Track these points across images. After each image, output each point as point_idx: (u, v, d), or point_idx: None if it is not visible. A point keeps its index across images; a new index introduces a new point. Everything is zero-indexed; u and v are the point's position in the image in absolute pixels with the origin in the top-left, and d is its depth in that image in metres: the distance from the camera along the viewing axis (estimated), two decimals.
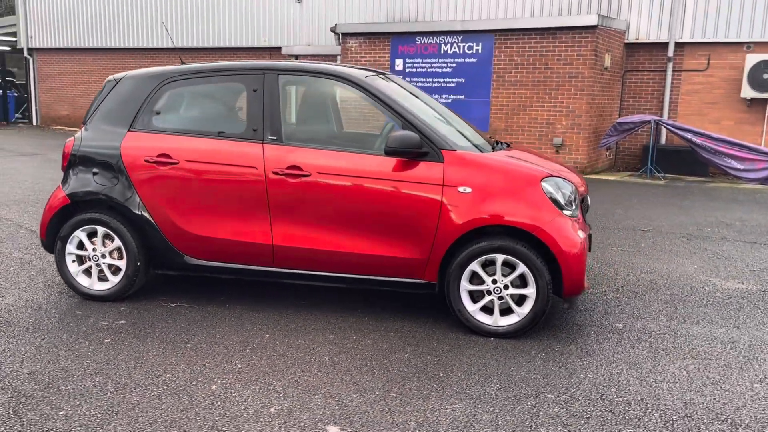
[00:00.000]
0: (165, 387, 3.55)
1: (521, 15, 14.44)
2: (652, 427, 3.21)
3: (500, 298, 4.28)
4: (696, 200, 10.23)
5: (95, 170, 4.83)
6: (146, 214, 4.72)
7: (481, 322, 4.32)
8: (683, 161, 13.00)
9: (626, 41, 13.82)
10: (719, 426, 3.24)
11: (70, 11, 21.73)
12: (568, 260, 4.16)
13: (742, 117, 13.16)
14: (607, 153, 14.02)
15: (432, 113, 4.93)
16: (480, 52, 13.37)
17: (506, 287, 4.26)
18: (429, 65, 13.84)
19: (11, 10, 29.86)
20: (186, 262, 4.75)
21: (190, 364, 3.85)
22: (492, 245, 4.22)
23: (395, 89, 4.86)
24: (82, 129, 5.00)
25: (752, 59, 12.64)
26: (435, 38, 13.70)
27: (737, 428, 3.22)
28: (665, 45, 13.54)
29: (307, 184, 4.45)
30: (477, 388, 3.60)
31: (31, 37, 22.73)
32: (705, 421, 3.29)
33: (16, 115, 25.26)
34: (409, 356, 4.02)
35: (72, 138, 5.03)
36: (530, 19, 13.51)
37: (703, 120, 13.40)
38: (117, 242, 4.79)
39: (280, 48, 17.36)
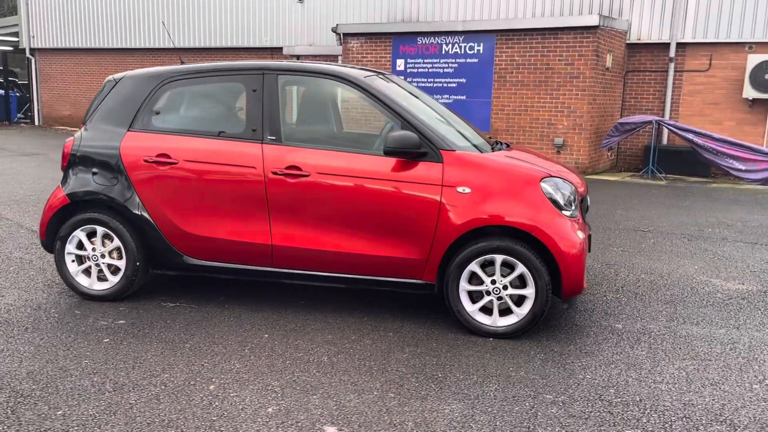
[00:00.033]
0: (163, 387, 3.55)
1: (522, 15, 14.43)
2: (651, 428, 3.20)
3: (499, 298, 4.27)
4: (697, 201, 10.21)
5: (95, 170, 4.83)
6: (145, 214, 4.73)
7: (480, 323, 4.32)
8: (685, 162, 12.98)
9: (628, 41, 13.80)
10: (718, 427, 3.23)
11: (72, 11, 21.76)
12: (567, 261, 4.15)
13: (743, 117, 13.14)
14: (609, 153, 14.00)
15: (431, 113, 4.93)
16: (481, 52, 13.36)
17: (505, 288, 4.25)
18: (430, 65, 13.84)
19: (13, 11, 29.90)
20: (185, 262, 4.75)
21: (188, 364, 3.84)
22: (491, 245, 4.22)
23: (395, 89, 4.86)
24: (82, 129, 5.01)
25: (754, 59, 12.62)
26: (436, 38, 13.70)
27: (736, 429, 3.21)
28: (667, 45, 13.53)
29: (306, 184, 4.44)
30: (475, 388, 3.60)
31: (33, 37, 22.78)
32: (704, 422, 3.28)
33: (18, 115, 25.31)
34: (407, 356, 4.01)
35: (71, 138, 5.04)
36: (531, 19, 13.49)
37: (705, 120, 13.38)
38: (116, 242, 4.80)
39: (281, 48, 17.37)
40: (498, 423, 3.23)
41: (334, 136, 5.26)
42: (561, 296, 4.29)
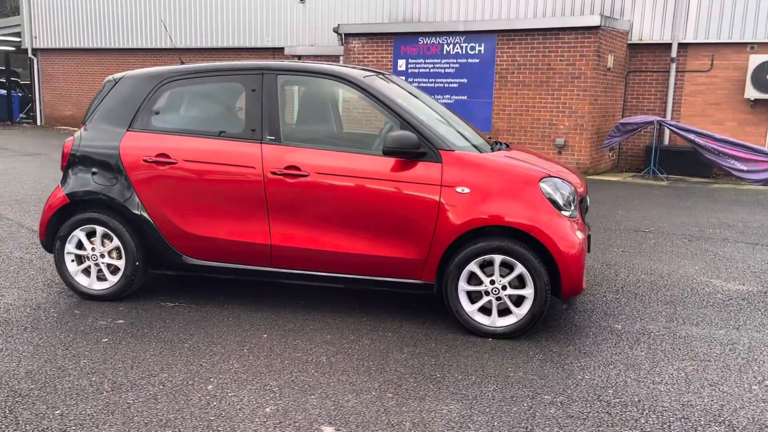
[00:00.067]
0: (161, 387, 3.55)
1: (524, 15, 14.42)
2: (649, 429, 3.20)
3: (498, 298, 4.27)
4: (698, 201, 10.19)
5: (94, 170, 4.83)
6: (145, 214, 4.73)
7: (479, 323, 4.31)
8: (686, 162, 12.97)
9: (629, 42, 13.79)
10: (716, 428, 3.22)
11: (74, 12, 21.79)
12: (567, 261, 4.15)
13: (745, 118, 13.12)
14: (610, 154, 13.99)
15: (431, 113, 4.93)
16: (482, 52, 13.36)
17: (504, 288, 4.25)
18: (431, 66, 13.84)
19: (16, 11, 29.96)
20: (184, 261, 4.75)
21: (187, 363, 3.85)
22: (490, 246, 4.21)
23: (394, 89, 4.85)
24: (82, 129, 5.01)
25: (756, 60, 12.60)
26: (437, 39, 13.69)
27: (735, 430, 3.20)
28: (668, 46, 13.51)
29: (306, 184, 4.44)
30: (474, 388, 3.59)
31: (36, 38, 22.81)
32: (702, 422, 3.27)
33: (21, 115, 25.36)
34: (406, 357, 4.01)
35: (71, 138, 5.04)
36: (533, 19, 13.48)
37: (707, 121, 13.36)
38: (116, 242, 4.80)
39: (282, 48, 17.38)
40: (496, 423, 3.23)
41: (333, 136, 5.26)
42: (560, 297, 4.29)
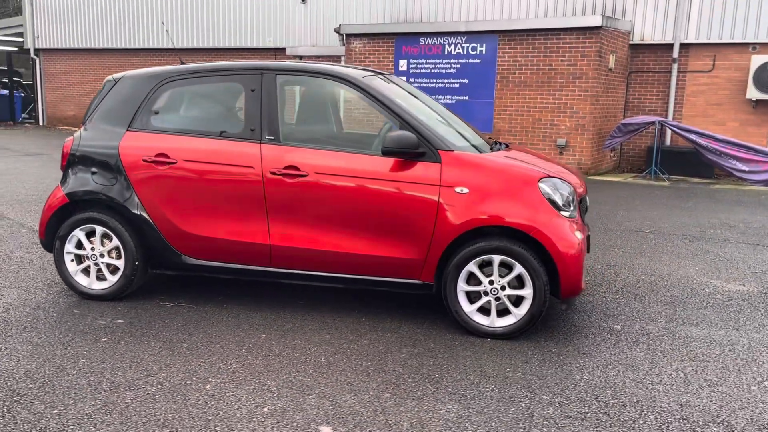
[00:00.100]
0: (159, 386, 3.55)
1: (525, 16, 14.41)
2: (647, 430, 3.19)
3: (497, 299, 4.26)
4: (699, 202, 10.18)
5: (94, 170, 4.84)
6: (144, 214, 4.73)
7: (478, 323, 4.31)
8: (688, 163, 12.95)
9: (631, 42, 13.77)
10: (715, 428, 3.22)
11: (76, 12, 21.83)
12: (566, 261, 4.14)
13: (747, 118, 13.10)
14: (612, 154, 13.98)
15: (430, 113, 4.93)
16: (484, 52, 13.35)
17: (503, 288, 4.24)
18: (433, 66, 13.83)
19: (18, 11, 30.01)
20: (183, 261, 4.75)
21: (185, 363, 3.85)
22: (489, 246, 4.21)
23: (393, 90, 4.85)
24: (81, 129, 5.02)
25: (758, 60, 12.58)
26: (439, 39, 13.69)
27: (733, 431, 3.19)
28: (670, 46, 13.50)
29: (305, 184, 4.44)
30: (472, 389, 3.59)
31: (38, 38, 22.85)
32: (701, 423, 3.26)
33: (23, 115, 25.40)
34: (404, 357, 4.01)
35: (71, 137, 5.05)
36: (534, 19, 13.47)
37: (708, 121, 13.34)
38: (115, 242, 4.80)
39: (284, 49, 17.39)
40: (493, 424, 3.22)
41: (333, 136, 5.26)
42: (559, 297, 4.28)
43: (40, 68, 23.38)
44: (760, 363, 4.01)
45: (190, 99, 4.97)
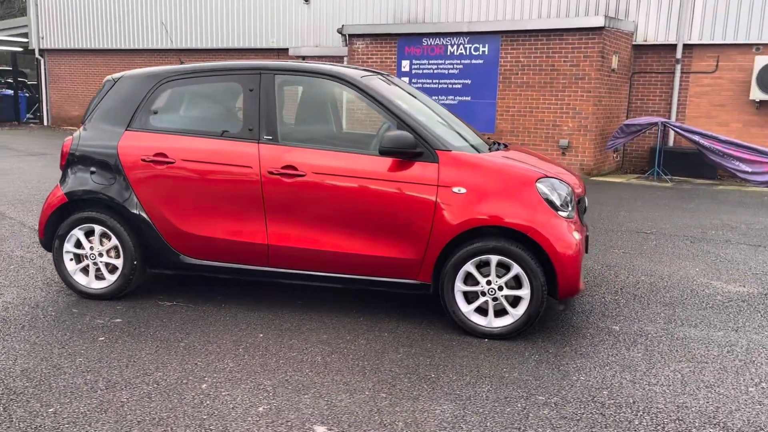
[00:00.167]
0: (155, 385, 3.55)
1: (528, 16, 14.40)
2: (643, 430, 3.18)
3: (495, 299, 4.26)
4: (702, 203, 10.15)
5: (93, 169, 4.85)
6: (143, 213, 4.74)
7: (476, 323, 4.30)
8: (691, 164, 12.91)
9: (634, 43, 13.75)
10: (711, 430, 3.20)
11: (81, 12, 21.90)
12: (563, 261, 4.13)
13: (750, 119, 13.06)
14: (614, 155, 13.95)
15: (429, 114, 4.93)
16: (486, 53, 13.34)
17: (501, 288, 4.24)
18: (435, 66, 13.83)
19: (23, 12, 30.12)
20: (182, 261, 4.76)
21: (182, 362, 3.85)
22: (486, 246, 4.20)
23: (393, 90, 4.85)
24: (81, 128, 5.03)
25: (761, 61, 12.54)
26: (441, 39, 13.68)
27: None
28: (673, 47, 13.47)
29: (302, 184, 4.45)
30: (468, 389, 3.58)
31: (43, 38, 22.93)
32: (697, 424, 3.25)
33: (28, 115, 25.49)
34: (401, 357, 4.00)
35: (70, 137, 5.06)
36: (537, 20, 13.46)
37: (712, 122, 13.30)
38: (114, 241, 4.81)
39: (287, 49, 17.41)
40: (489, 424, 3.22)
41: (332, 136, 5.26)
42: (557, 297, 4.27)
43: (44, 68, 23.46)
44: (759, 364, 3.99)
45: (188, 99, 4.98)
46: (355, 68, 4.99)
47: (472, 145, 4.68)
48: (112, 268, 4.89)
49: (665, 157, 13.14)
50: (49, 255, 5.97)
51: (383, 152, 4.30)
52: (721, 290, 5.51)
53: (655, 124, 12.53)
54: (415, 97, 5.16)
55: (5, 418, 3.19)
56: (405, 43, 14.09)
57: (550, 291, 4.27)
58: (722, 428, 3.22)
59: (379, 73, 5.11)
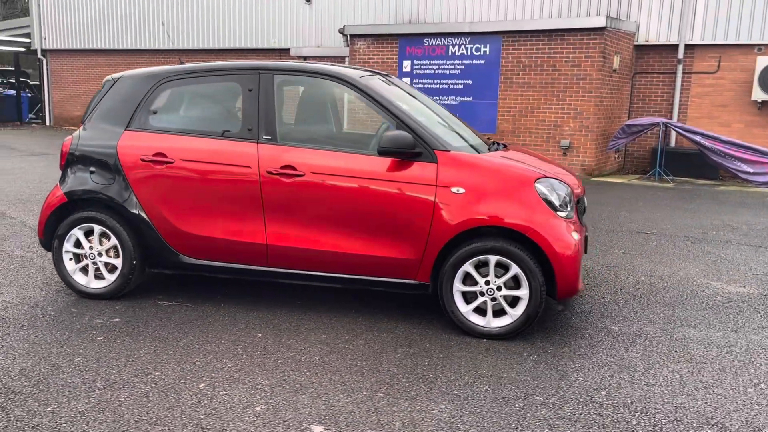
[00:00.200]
0: (153, 385, 3.56)
1: (529, 16, 14.39)
2: (640, 431, 3.17)
3: (493, 299, 4.25)
4: (703, 203, 10.13)
5: (92, 169, 4.85)
6: (142, 213, 4.74)
7: (474, 324, 4.30)
8: (692, 164, 12.89)
9: (636, 43, 13.73)
10: (709, 430, 3.20)
11: (83, 13, 21.93)
12: (562, 262, 4.13)
13: (752, 120, 13.03)
14: (616, 156, 13.93)
15: (429, 114, 4.93)
16: (488, 53, 13.33)
17: (499, 288, 4.23)
18: (437, 67, 13.82)
19: (26, 12, 30.18)
20: (181, 261, 4.76)
21: (180, 362, 3.85)
22: (485, 246, 4.20)
23: (392, 90, 4.85)
24: (80, 128, 5.04)
25: (763, 61, 12.52)
26: (443, 40, 13.68)
27: None
28: (675, 47, 13.45)
29: (301, 184, 4.45)
30: (466, 389, 3.58)
31: (45, 39, 22.96)
32: (695, 425, 3.25)
33: (30, 115, 25.53)
34: (400, 357, 4.00)
35: (70, 137, 5.07)
36: (538, 20, 13.45)
37: (713, 122, 13.28)
38: (113, 241, 4.82)
39: (289, 50, 17.42)
40: (486, 424, 3.21)
41: (331, 136, 5.26)
42: (555, 297, 4.27)
43: (47, 69, 23.49)
44: (758, 365, 3.99)
45: (188, 99, 4.98)
46: (355, 68, 4.99)
47: (472, 146, 4.68)
48: (111, 268, 4.90)
49: (667, 158, 13.12)
50: (49, 255, 5.98)
51: (382, 152, 4.30)
52: (721, 291, 5.50)
53: (657, 124, 12.52)
54: (415, 98, 5.16)
55: (3, 417, 3.19)
56: (406, 43, 14.09)
57: (548, 291, 4.27)
58: (720, 429, 3.21)
59: (378, 74, 5.10)
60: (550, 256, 4.13)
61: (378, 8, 16.40)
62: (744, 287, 5.62)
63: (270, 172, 4.48)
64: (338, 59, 15.82)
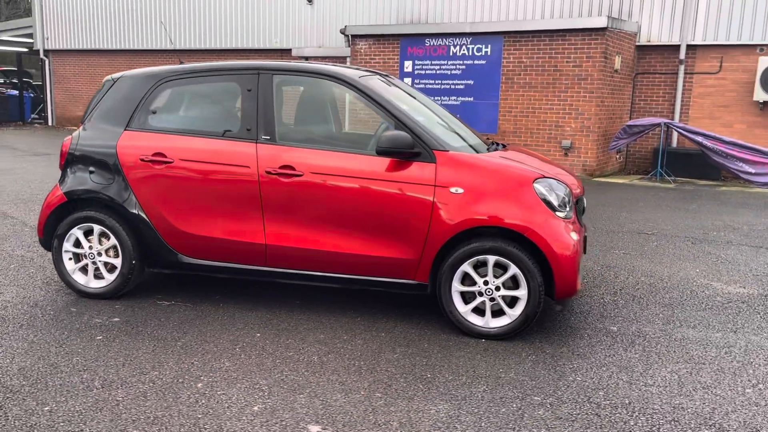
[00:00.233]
0: (151, 384, 3.56)
1: (531, 17, 14.38)
2: (638, 431, 3.17)
3: (492, 299, 4.25)
4: (704, 204, 10.11)
5: (92, 169, 4.86)
6: (141, 213, 4.75)
7: (473, 324, 4.30)
8: (694, 165, 12.87)
9: (637, 43, 13.71)
10: (706, 431, 3.19)
11: (85, 13, 21.96)
12: (560, 262, 4.12)
13: (754, 120, 13.01)
14: (617, 156, 13.91)
15: (428, 114, 4.93)
16: (489, 53, 13.33)
17: (498, 288, 4.23)
18: (438, 67, 13.82)
19: (28, 12, 30.23)
20: (180, 260, 4.77)
21: (178, 362, 3.86)
22: (484, 246, 4.20)
23: (392, 90, 4.85)
24: (80, 128, 5.05)
25: (765, 62, 12.50)
26: (444, 40, 13.68)
27: None
28: (677, 47, 13.43)
29: (300, 184, 4.45)
30: (463, 389, 3.58)
31: (47, 39, 23.00)
32: (692, 425, 3.24)
33: (32, 115, 25.58)
34: (398, 357, 4.00)
35: (69, 137, 5.08)
36: (540, 20, 13.44)
37: (715, 123, 13.26)
38: (113, 240, 4.82)
39: (290, 50, 17.43)
40: (483, 424, 3.21)
41: (330, 136, 5.26)
42: (554, 298, 4.27)
43: (49, 69, 23.54)
44: (756, 365, 3.98)
45: (187, 99, 4.99)
46: (355, 68, 4.99)
47: (471, 146, 4.68)
48: (110, 268, 4.91)
49: (668, 158, 13.10)
50: (50, 254, 5.98)
51: (380, 152, 4.30)
52: (721, 291, 5.50)
53: (658, 124, 12.50)
54: (415, 98, 5.16)
55: (1, 416, 3.20)
56: (408, 43, 14.09)
57: (547, 291, 4.26)
58: (718, 429, 3.21)
59: (378, 74, 5.11)
60: (548, 257, 4.13)
61: (379, 8, 16.41)
62: (744, 288, 5.61)
63: (269, 172, 4.48)
64: (340, 59, 15.82)
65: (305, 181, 4.44)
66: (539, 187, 4.24)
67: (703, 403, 3.47)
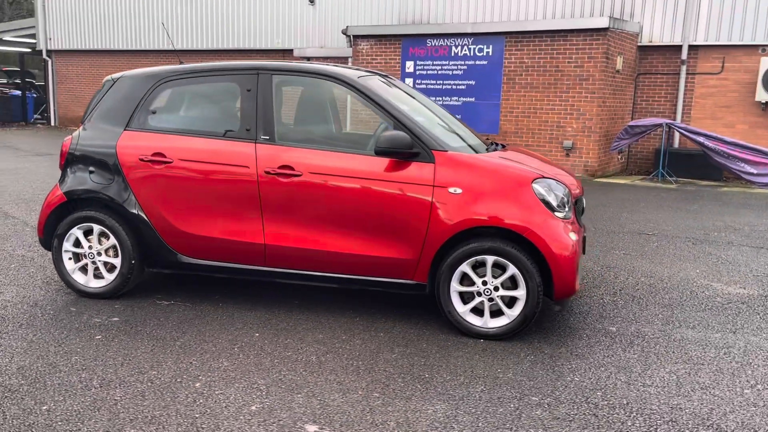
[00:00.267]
0: (149, 384, 3.57)
1: (532, 17, 14.37)
2: (635, 431, 3.17)
3: (490, 299, 4.25)
4: (705, 204, 10.10)
5: (92, 169, 4.87)
6: (141, 213, 4.76)
7: (471, 324, 4.30)
8: (695, 165, 12.85)
9: (639, 44, 13.70)
10: (704, 431, 3.19)
11: (88, 13, 22.00)
12: (559, 262, 4.12)
13: (756, 121, 12.99)
14: (619, 156, 13.90)
15: (427, 114, 4.93)
16: (490, 54, 13.32)
17: (496, 289, 4.23)
18: (439, 67, 13.82)
19: (31, 13, 30.29)
20: (179, 260, 4.77)
21: (176, 361, 3.86)
22: (482, 246, 4.20)
23: (391, 90, 4.85)
24: (80, 128, 5.06)
25: (767, 62, 12.47)
26: (445, 40, 13.68)
27: None
28: (679, 48, 13.41)
29: (299, 184, 4.45)
30: (461, 389, 3.58)
31: (50, 39, 23.05)
32: (690, 426, 3.24)
33: (35, 115, 25.63)
34: (396, 357, 4.00)
35: (69, 137, 5.09)
36: (541, 21, 13.44)
37: (717, 123, 13.24)
38: (112, 240, 4.83)
39: (292, 50, 17.45)
40: (480, 424, 3.21)
41: (330, 136, 5.26)
42: (553, 298, 4.26)
43: (52, 69, 23.58)
44: (755, 366, 3.97)
45: (187, 99, 4.99)
46: (355, 69, 5.00)
47: (470, 146, 4.68)
48: (110, 267, 4.91)
49: (670, 159, 13.09)
50: (50, 254, 6.00)
51: (379, 152, 4.30)
52: (720, 292, 5.49)
53: (660, 125, 12.49)
54: (414, 98, 5.17)
55: None
56: (409, 44, 14.09)
57: (546, 292, 4.26)
58: (716, 430, 3.20)
59: (377, 74, 5.11)
60: (547, 257, 4.13)
61: (381, 9, 16.42)
62: (744, 288, 5.60)
63: (268, 172, 4.48)
64: (341, 60, 15.84)
65: (304, 181, 4.44)
66: (538, 187, 4.24)
67: (702, 404, 3.47)
